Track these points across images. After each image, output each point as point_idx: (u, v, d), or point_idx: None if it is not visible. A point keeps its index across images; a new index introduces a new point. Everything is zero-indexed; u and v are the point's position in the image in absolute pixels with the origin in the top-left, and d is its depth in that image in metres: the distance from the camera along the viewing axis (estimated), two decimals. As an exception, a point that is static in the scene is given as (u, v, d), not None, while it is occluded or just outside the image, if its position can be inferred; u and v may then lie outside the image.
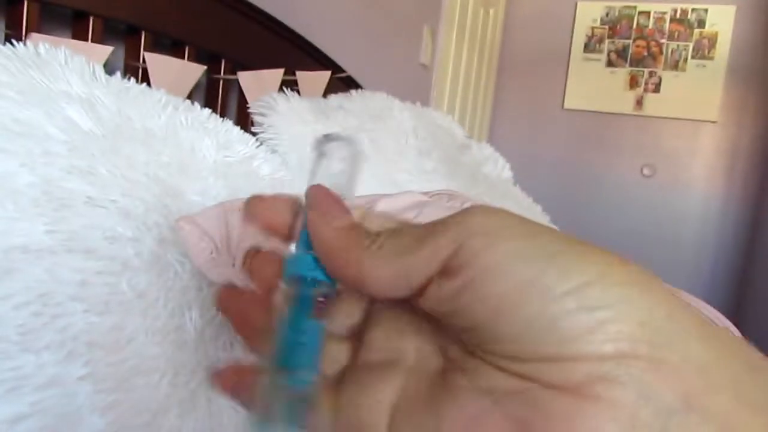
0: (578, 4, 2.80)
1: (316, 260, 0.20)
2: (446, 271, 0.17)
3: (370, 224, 0.20)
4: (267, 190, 0.65)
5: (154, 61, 0.77)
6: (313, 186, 0.20)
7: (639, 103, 2.72)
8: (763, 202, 2.50)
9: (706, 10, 2.63)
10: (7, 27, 0.64)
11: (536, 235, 0.16)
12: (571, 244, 0.16)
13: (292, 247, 0.21)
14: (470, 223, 0.17)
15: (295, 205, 0.22)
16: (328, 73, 1.11)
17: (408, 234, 0.18)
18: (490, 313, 0.16)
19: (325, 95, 1.04)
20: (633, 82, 2.73)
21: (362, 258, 0.18)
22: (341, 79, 1.20)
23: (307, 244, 0.20)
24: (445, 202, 0.69)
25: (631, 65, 2.73)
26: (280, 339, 0.19)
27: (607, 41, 2.76)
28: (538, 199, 1.32)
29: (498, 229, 0.17)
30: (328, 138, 0.21)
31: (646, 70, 2.71)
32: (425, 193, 0.68)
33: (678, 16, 2.68)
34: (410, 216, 0.57)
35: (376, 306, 0.21)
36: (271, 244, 0.22)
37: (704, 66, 2.63)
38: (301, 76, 1.06)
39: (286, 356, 0.19)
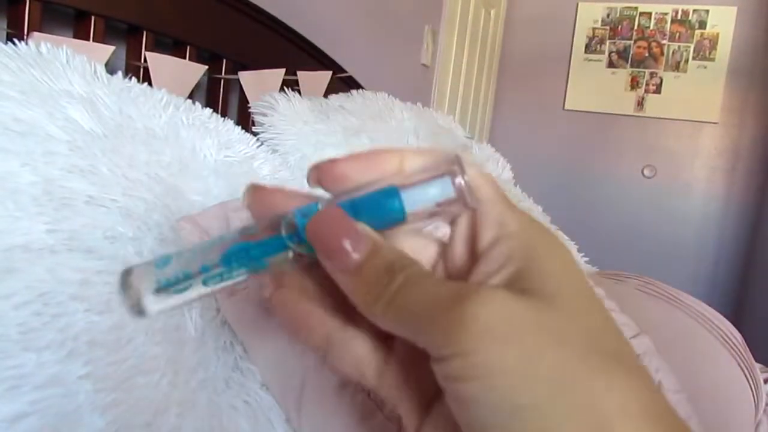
0: (579, 4, 2.79)
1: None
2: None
3: (384, 258, 0.19)
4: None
5: (155, 60, 0.77)
6: (323, 213, 0.20)
7: (640, 104, 2.72)
8: (764, 203, 2.50)
9: (707, 11, 2.63)
10: (9, 26, 0.64)
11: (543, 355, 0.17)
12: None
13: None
14: (481, 325, 0.17)
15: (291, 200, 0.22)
16: (329, 74, 1.11)
17: (422, 301, 0.18)
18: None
19: (326, 95, 1.04)
20: (634, 83, 2.73)
21: (371, 311, 0.19)
22: (342, 79, 1.20)
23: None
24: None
25: (632, 66, 2.73)
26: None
27: (608, 42, 2.76)
28: (538, 199, 1.31)
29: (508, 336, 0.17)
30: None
31: (647, 71, 2.71)
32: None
33: (679, 17, 2.67)
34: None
35: None
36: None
37: (705, 67, 2.63)
38: (302, 76, 1.06)
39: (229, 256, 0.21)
